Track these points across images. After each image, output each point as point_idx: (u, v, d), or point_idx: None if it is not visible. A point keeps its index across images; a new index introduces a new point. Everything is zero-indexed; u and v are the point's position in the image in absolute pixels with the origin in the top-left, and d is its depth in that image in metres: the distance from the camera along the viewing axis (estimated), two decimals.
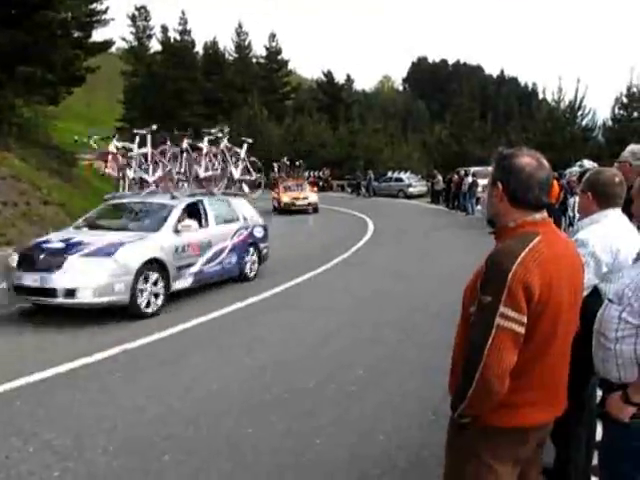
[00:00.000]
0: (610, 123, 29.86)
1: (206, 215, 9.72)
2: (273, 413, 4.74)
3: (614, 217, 3.15)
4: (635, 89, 28.14)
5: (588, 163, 8.76)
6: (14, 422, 4.62)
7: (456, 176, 26.50)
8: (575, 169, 8.78)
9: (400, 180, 37.78)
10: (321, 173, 46.29)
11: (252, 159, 12.46)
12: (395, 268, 11.92)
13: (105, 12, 32.75)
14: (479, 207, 21.90)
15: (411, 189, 36.55)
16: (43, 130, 31.50)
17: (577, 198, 7.38)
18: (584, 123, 30.61)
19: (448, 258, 12.89)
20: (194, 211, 9.57)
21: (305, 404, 4.93)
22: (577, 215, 8.54)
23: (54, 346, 6.68)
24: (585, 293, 2.84)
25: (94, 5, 32.05)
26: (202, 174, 11.12)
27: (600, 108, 30.60)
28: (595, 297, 2.89)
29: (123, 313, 7.75)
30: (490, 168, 2.27)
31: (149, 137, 10.63)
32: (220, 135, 12.01)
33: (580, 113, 30.34)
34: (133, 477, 3.80)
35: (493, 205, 2.16)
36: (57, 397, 5.15)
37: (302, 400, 5.02)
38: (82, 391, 5.27)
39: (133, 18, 75.25)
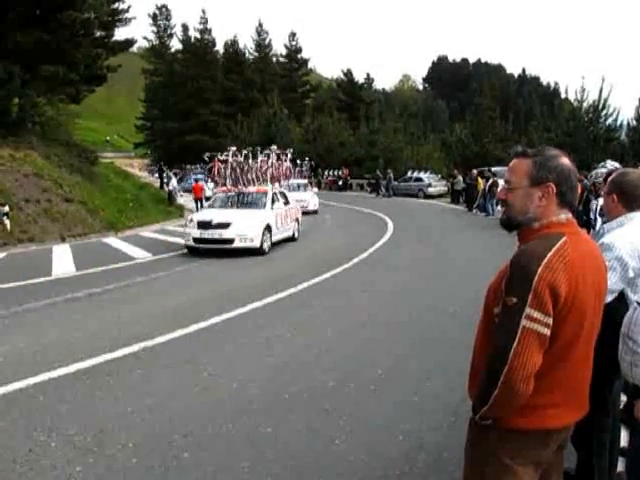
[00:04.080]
0: (634, 123, 29.38)
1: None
2: (292, 412, 4.75)
3: None
4: None
5: (611, 164, 8.57)
6: (37, 417, 4.69)
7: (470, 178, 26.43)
8: (601, 170, 8.59)
9: (420, 180, 37.46)
10: (340, 172, 46.45)
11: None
12: (414, 268, 11.88)
13: (127, 11, 33.12)
14: (499, 208, 21.70)
15: (431, 189, 36.17)
16: (65, 128, 31.91)
17: (600, 201, 7.25)
18: (607, 123, 30.11)
19: (467, 259, 12.83)
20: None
21: (324, 403, 4.92)
22: (599, 218, 8.40)
23: (75, 343, 6.75)
24: (611, 298, 2.79)
25: (116, 4, 32.39)
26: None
27: (624, 108, 30.14)
28: (620, 301, 2.84)
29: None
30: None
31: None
32: None
33: (604, 113, 29.85)
34: (152, 474, 3.82)
35: (535, 206, 2.07)
36: (78, 393, 5.21)
37: (321, 399, 5.02)
38: (103, 388, 5.33)
39: (154, 17, 76.11)
